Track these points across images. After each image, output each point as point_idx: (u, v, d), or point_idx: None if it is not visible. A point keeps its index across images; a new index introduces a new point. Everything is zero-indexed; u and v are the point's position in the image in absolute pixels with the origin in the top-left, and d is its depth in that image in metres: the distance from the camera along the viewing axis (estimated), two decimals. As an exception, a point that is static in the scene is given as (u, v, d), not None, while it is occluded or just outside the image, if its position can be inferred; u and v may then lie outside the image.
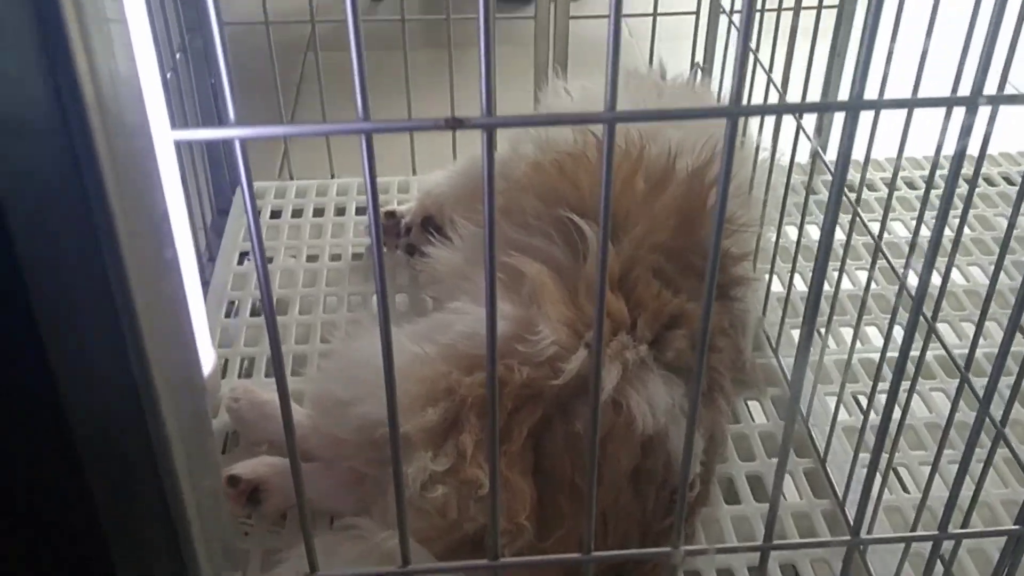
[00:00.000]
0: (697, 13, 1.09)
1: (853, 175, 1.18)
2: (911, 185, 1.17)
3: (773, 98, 0.88)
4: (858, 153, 0.71)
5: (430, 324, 0.76)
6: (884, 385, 0.83)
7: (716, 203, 0.86)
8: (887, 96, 0.66)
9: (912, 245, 0.71)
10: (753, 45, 0.99)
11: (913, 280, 0.95)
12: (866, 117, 0.64)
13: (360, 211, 1.11)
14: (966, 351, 0.90)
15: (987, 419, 0.54)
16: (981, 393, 0.58)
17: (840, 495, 0.77)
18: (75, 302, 0.32)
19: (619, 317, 0.73)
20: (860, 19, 1.04)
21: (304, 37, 1.97)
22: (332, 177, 1.16)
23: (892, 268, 0.73)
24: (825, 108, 0.37)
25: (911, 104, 0.38)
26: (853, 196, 1.01)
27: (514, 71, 1.24)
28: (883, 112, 0.68)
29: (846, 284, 1.01)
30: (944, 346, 0.65)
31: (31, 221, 0.30)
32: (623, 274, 0.76)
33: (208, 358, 0.36)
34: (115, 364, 0.32)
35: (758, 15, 0.98)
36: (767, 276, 0.98)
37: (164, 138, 0.34)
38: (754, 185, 0.93)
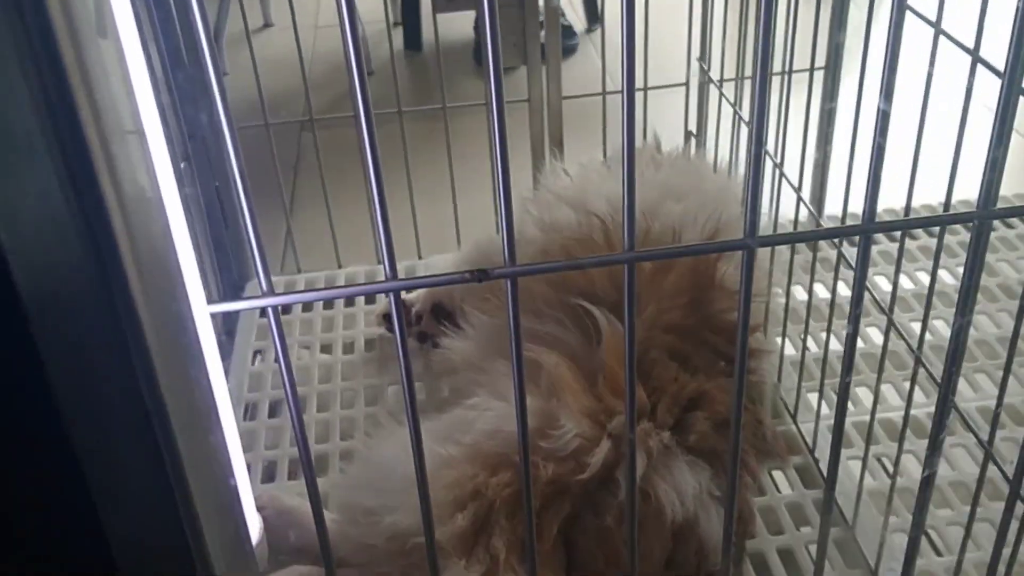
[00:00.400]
0: (687, 84, 1.11)
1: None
2: (911, 235, 1.18)
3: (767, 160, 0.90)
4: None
5: (451, 422, 0.76)
6: (907, 445, 0.84)
7: (725, 276, 0.87)
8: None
9: (926, 312, 0.72)
10: (744, 113, 1.01)
11: (928, 337, 0.96)
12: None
13: (369, 300, 1.12)
14: (979, 403, 0.92)
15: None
16: (991, 445, 0.59)
17: (873, 565, 0.77)
18: (125, 478, 0.32)
19: (639, 404, 0.73)
20: (851, 81, 1.06)
21: (298, 115, 2.00)
22: (339, 267, 1.17)
23: (907, 344, 0.74)
24: (836, 234, 0.38)
25: (908, 225, 0.40)
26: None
27: (512, 139, 1.26)
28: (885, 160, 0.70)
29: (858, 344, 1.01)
30: (972, 429, 0.65)
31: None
32: (639, 358, 0.77)
33: (255, 527, 0.37)
34: (170, 544, 0.32)
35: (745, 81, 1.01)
36: (778, 339, 0.98)
37: (200, 311, 0.35)
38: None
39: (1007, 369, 0.62)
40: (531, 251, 0.93)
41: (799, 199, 0.84)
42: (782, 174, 0.86)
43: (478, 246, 1.05)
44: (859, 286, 0.41)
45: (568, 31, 2.34)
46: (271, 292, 0.36)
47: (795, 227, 0.88)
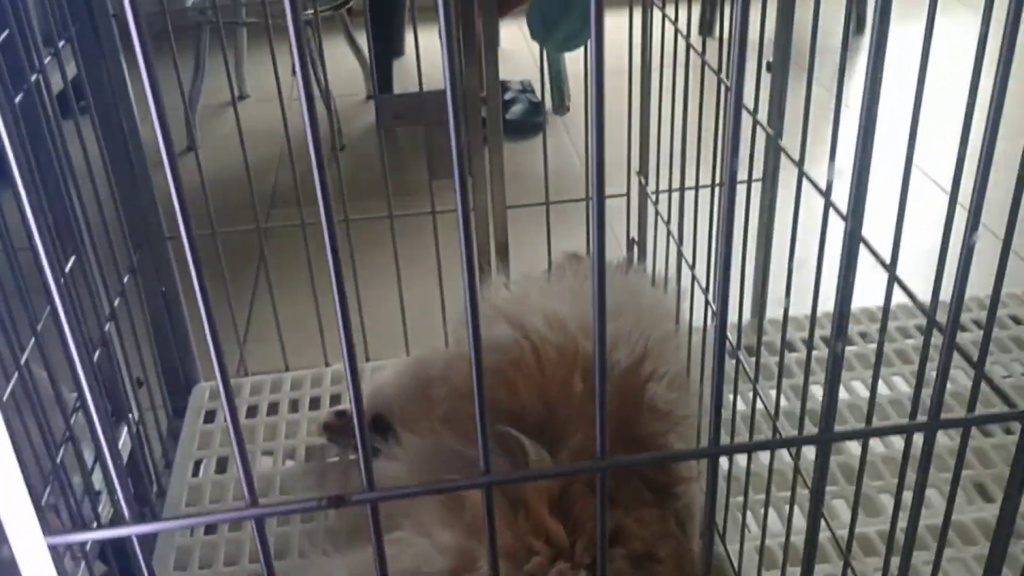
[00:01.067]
0: (628, 195, 1.14)
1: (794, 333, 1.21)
2: (848, 341, 1.20)
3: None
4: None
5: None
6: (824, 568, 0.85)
7: (655, 396, 0.88)
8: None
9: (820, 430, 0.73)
10: (675, 227, 1.03)
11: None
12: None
13: (313, 404, 1.13)
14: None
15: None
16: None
17: None
18: None
19: (558, 541, 0.74)
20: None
21: (269, 188, 2.02)
22: (286, 370, 1.18)
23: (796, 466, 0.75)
24: (697, 456, 0.39)
25: (867, 434, 0.41)
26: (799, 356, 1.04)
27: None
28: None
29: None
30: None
31: None
32: (562, 492, 0.78)
33: None
34: None
35: (691, 193, 1.03)
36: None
37: (31, 547, 0.35)
38: (691, 369, 0.96)
39: (898, 496, 0.63)
40: (466, 369, 0.95)
41: (726, 342, 0.86)
42: (707, 301, 0.88)
43: (418, 360, 1.06)
44: (709, 514, 0.43)
45: (537, 108, 2.38)
46: (135, 519, 0.37)
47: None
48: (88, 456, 0.92)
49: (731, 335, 0.90)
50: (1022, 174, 0.48)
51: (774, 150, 0.72)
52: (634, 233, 1.17)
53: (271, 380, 1.17)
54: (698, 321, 0.94)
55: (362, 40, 2.35)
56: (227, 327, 1.19)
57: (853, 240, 0.45)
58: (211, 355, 0.35)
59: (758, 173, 1.11)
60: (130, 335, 1.02)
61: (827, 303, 0.57)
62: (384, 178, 1.08)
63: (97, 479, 0.96)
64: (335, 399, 1.13)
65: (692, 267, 0.92)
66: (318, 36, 1.13)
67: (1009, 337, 1.18)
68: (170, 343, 1.13)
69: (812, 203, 0.69)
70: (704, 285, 0.90)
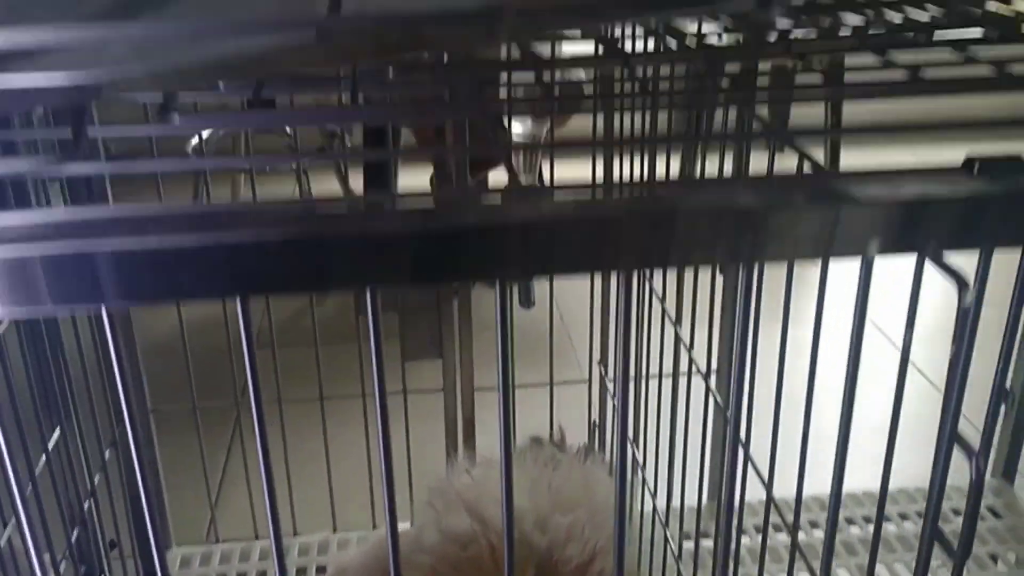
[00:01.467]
0: (589, 381, 1.20)
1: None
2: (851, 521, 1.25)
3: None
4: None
5: None
6: None
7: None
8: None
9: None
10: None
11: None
12: None
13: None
14: None
15: None
16: None
17: None
18: None
19: None
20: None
21: (255, 329, 2.07)
22: (256, 538, 1.22)
23: None
24: None
25: None
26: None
27: (428, 424, 1.34)
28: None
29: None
30: None
31: None
32: None
33: None
34: None
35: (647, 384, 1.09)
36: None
37: None
38: (641, 562, 1.00)
39: None
40: (425, 561, 0.99)
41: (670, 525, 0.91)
42: (654, 506, 0.93)
43: (381, 543, 1.10)
44: None
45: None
46: None
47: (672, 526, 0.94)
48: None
49: (673, 527, 0.95)
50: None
51: (725, 421, 0.79)
52: (596, 417, 1.23)
53: (240, 549, 1.21)
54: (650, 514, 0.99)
55: (353, 181, 2.45)
56: (200, 491, 1.23)
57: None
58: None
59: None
60: (105, 496, 1.06)
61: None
62: (360, 363, 1.15)
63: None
64: (301, 572, 1.16)
65: (643, 467, 0.97)
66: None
67: (895, 536, 1.22)
68: (142, 506, 1.17)
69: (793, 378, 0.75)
70: (652, 487, 0.95)
